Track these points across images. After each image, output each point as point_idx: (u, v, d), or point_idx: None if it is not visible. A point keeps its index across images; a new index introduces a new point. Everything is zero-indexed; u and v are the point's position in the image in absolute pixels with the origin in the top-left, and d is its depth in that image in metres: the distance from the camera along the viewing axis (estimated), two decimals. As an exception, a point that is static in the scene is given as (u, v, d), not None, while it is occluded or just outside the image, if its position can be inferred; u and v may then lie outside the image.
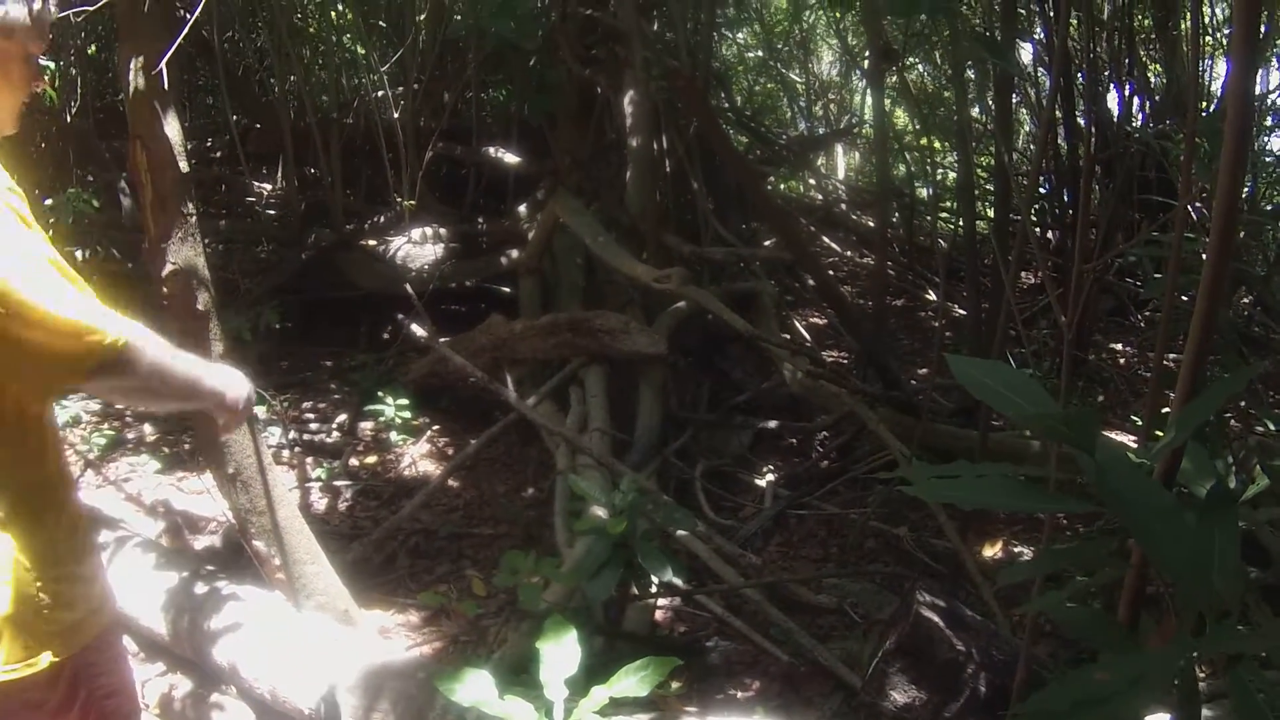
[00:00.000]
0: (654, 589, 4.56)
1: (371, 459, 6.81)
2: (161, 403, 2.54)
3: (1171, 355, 5.83)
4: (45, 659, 2.12)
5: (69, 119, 9.42)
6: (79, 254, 8.89)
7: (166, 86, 3.88)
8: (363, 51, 9.87)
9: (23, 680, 2.10)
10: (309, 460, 6.64)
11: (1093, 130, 8.00)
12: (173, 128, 4.00)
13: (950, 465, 1.86)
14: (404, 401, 6.82)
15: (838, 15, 13.43)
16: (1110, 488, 1.62)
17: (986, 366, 1.93)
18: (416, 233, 8.73)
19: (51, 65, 7.41)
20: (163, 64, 3.79)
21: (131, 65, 3.95)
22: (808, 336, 8.74)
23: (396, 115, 8.67)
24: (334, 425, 7.21)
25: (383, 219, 9.13)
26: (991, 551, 5.63)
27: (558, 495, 5.63)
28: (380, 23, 10.15)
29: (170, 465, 6.60)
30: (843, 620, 4.92)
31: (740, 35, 14.92)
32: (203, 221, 9.06)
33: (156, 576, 4.53)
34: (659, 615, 4.98)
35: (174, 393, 2.39)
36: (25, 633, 2.10)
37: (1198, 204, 5.77)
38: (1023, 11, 8.46)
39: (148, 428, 7.27)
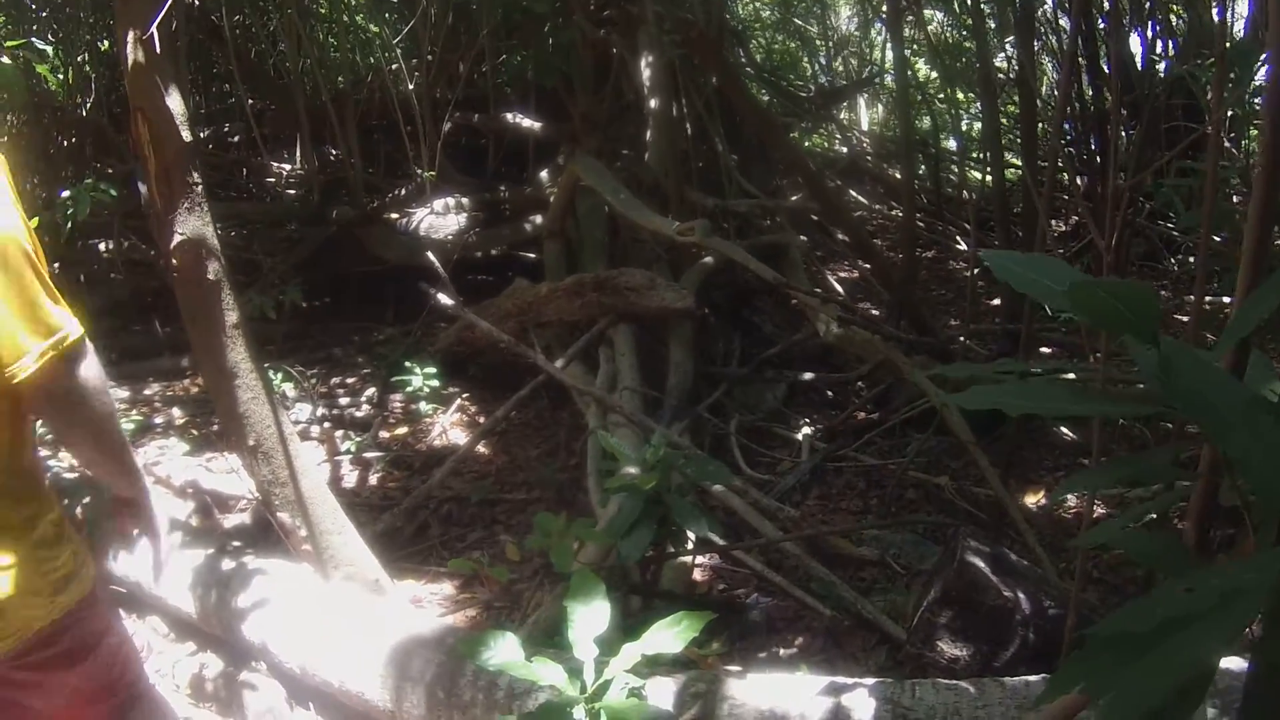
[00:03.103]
0: (690, 546, 4.45)
1: (402, 430, 6.76)
2: (100, 441, 2.33)
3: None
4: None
5: (84, 114, 9.37)
6: (101, 246, 8.90)
7: (160, 52, 3.78)
8: (375, 29, 9.80)
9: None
10: (339, 434, 6.57)
11: (1115, 63, 7.85)
12: (174, 99, 3.90)
13: (991, 365, 1.74)
14: (432, 371, 6.75)
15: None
16: (1180, 383, 1.48)
17: (1028, 260, 1.79)
18: (439, 203, 8.67)
19: (49, 50, 7.39)
20: (153, 28, 3.68)
21: (129, 38, 3.86)
22: (839, 289, 8.61)
23: (411, 87, 8.58)
24: (363, 399, 7.18)
25: (404, 192, 9.07)
26: (1034, 499, 5.51)
27: (590, 455, 5.54)
28: (392, -2, 10.07)
29: (199, 447, 6.57)
30: (885, 572, 4.81)
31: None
32: (224, 205, 9.12)
33: (182, 555, 4.49)
34: (697, 573, 4.88)
35: (113, 436, 2.35)
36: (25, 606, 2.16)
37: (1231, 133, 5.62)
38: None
39: (176, 411, 7.27)
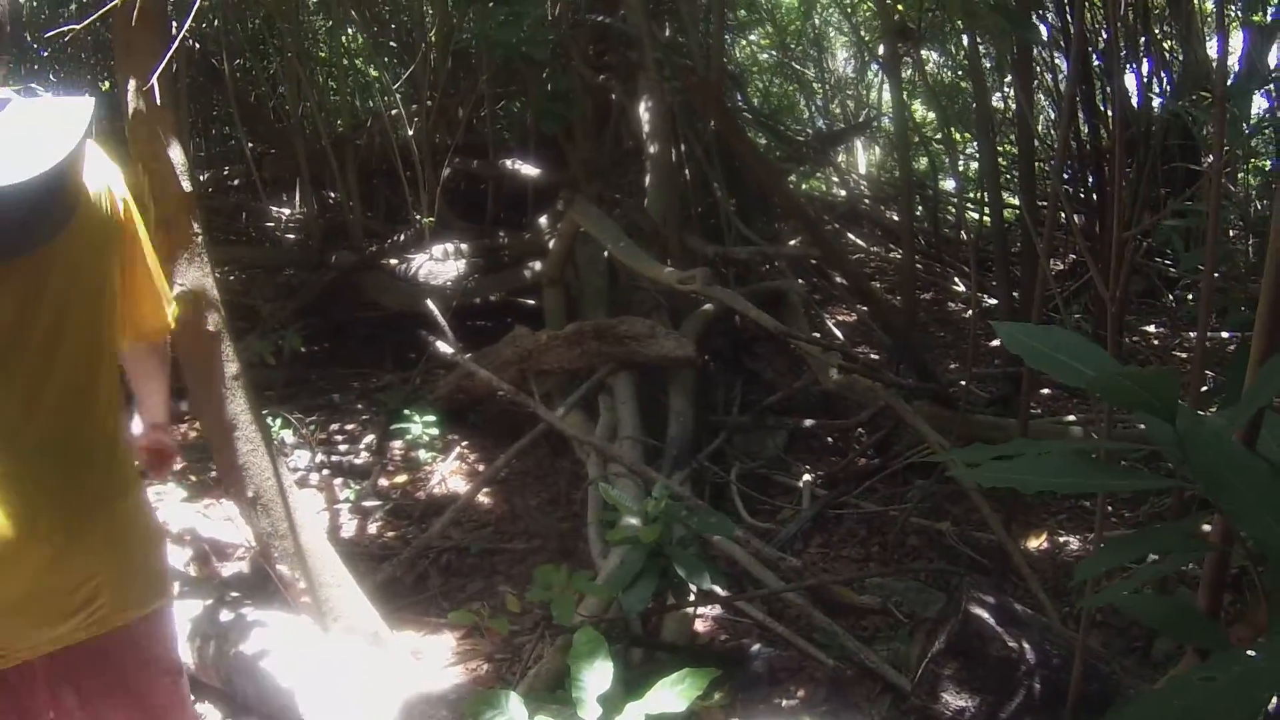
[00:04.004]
0: (692, 597, 4.43)
1: (401, 478, 6.73)
2: (166, 375, 2.75)
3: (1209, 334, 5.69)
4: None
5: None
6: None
7: (160, 103, 3.80)
8: (375, 74, 9.83)
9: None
10: (337, 482, 6.56)
11: (1117, 106, 7.89)
12: (175, 149, 3.95)
13: (1005, 445, 1.72)
14: (431, 419, 6.72)
15: (849, 8, 13.37)
16: (1198, 458, 1.46)
17: (1039, 331, 1.78)
18: (438, 249, 8.68)
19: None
20: (154, 79, 3.72)
21: (130, 87, 3.89)
22: (838, 334, 8.61)
23: (411, 133, 8.60)
24: (362, 446, 7.15)
25: (403, 237, 9.07)
26: (1037, 542, 5.49)
27: (590, 506, 5.52)
28: (390, 43, 10.09)
29: (197, 493, 6.52)
30: (888, 620, 4.78)
31: (753, 36, 14.83)
32: (223, 249, 9.12)
33: (182, 605, 4.41)
34: (699, 624, 4.85)
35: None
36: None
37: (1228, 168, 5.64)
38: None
39: (174, 456, 7.19)
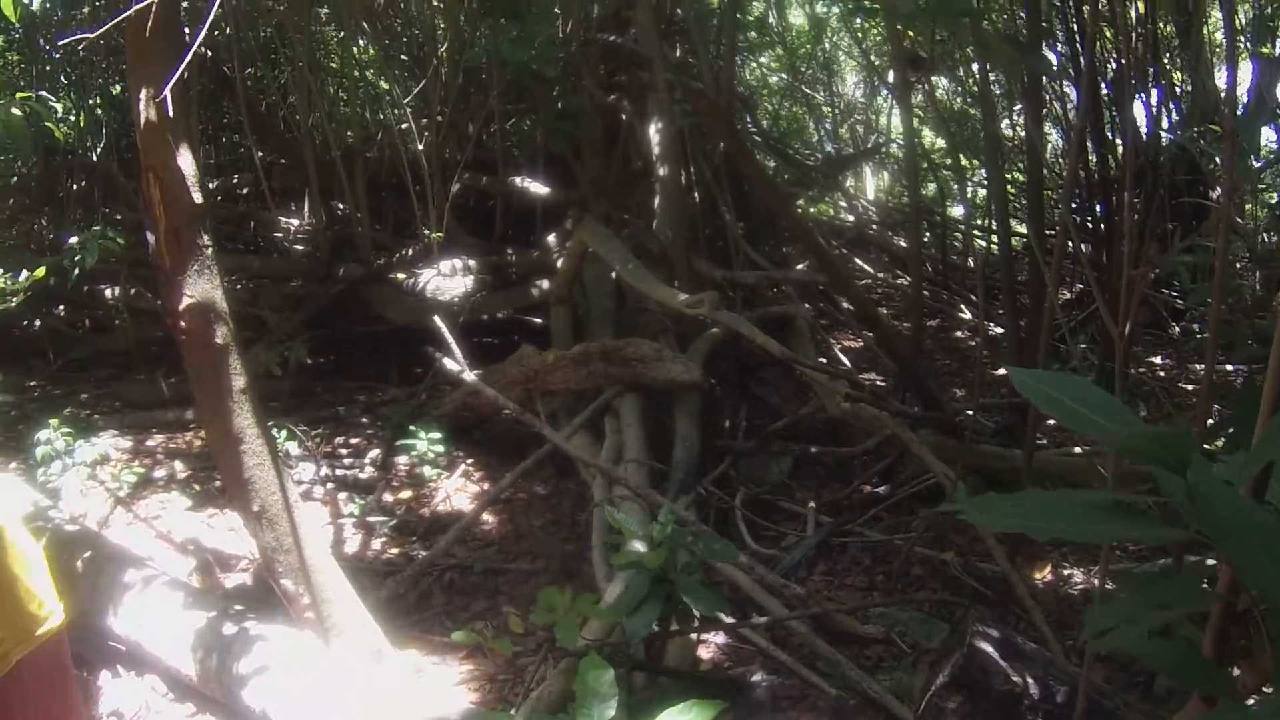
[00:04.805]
0: (695, 623, 4.43)
1: (405, 494, 6.74)
2: None
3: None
4: None
5: (94, 159, 9.40)
6: (108, 292, 8.93)
7: (172, 114, 3.82)
8: (385, 86, 9.86)
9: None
10: (341, 496, 6.57)
11: (1126, 137, 7.91)
12: (185, 159, 3.97)
13: (1021, 495, 1.74)
14: (437, 436, 6.71)
15: (860, 34, 13.39)
16: (1209, 511, 1.49)
17: (1055, 380, 1.80)
18: (445, 265, 8.69)
19: (59, 107, 7.42)
20: (166, 91, 3.71)
21: (141, 96, 3.92)
22: (845, 360, 8.62)
23: (421, 147, 8.63)
24: (366, 460, 7.15)
25: (411, 252, 9.07)
26: (1040, 575, 5.49)
27: (595, 529, 5.53)
28: (402, 56, 10.13)
29: (201, 502, 6.55)
30: (891, 650, 4.79)
31: (763, 58, 14.87)
32: (231, 258, 9.14)
33: (184, 616, 4.49)
34: (701, 650, 4.86)
35: None
36: None
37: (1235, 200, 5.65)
38: (1045, 24, 8.35)
39: (178, 464, 7.24)
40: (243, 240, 10.69)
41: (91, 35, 4.00)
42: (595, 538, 5.46)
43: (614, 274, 7.54)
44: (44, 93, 5.25)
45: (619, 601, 4.20)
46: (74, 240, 6.78)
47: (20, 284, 5.79)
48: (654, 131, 8.22)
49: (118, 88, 9.74)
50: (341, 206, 10.03)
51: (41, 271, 5.88)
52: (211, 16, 3.95)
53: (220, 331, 4.03)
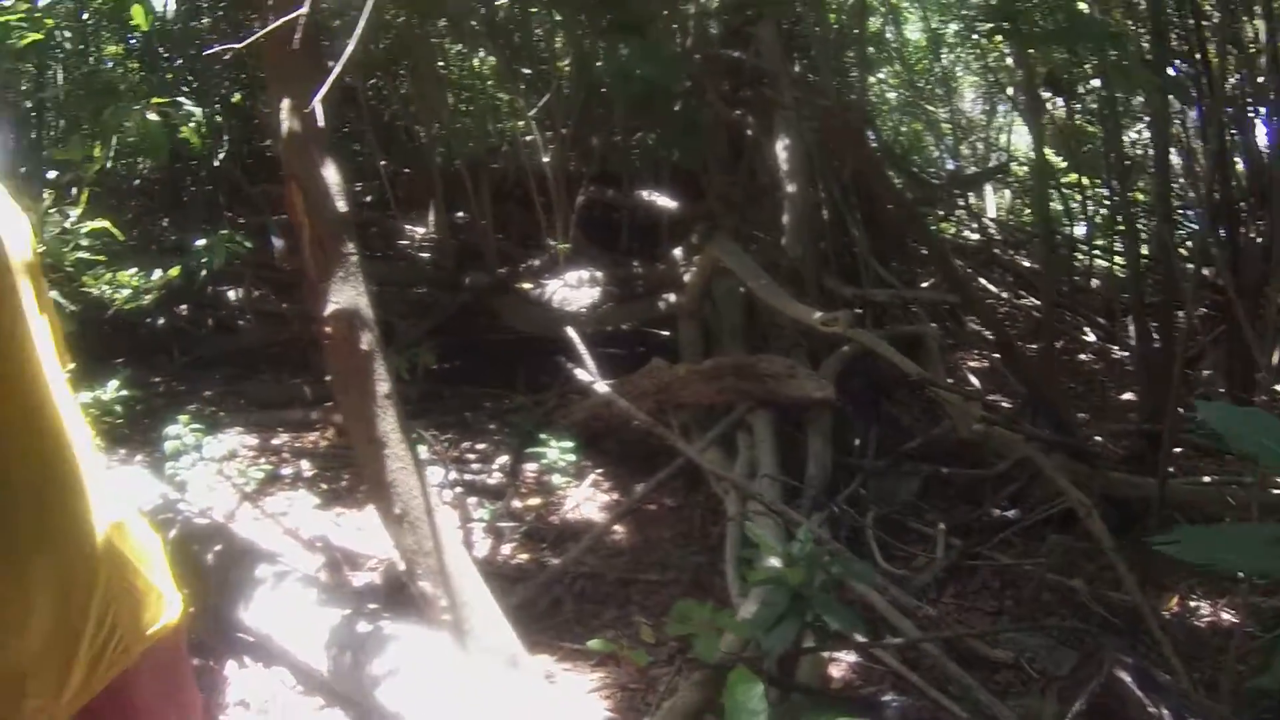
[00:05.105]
0: (829, 641, 4.46)
1: (534, 501, 6.80)
2: None
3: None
4: None
5: (217, 164, 9.65)
6: (231, 294, 9.17)
7: (320, 125, 3.91)
8: (506, 97, 9.96)
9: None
10: (470, 501, 6.65)
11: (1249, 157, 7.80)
12: (329, 169, 4.06)
13: (1213, 528, 1.76)
14: (568, 444, 6.74)
15: (979, 50, 13.29)
16: None
17: (1243, 415, 1.82)
18: (572, 276, 8.76)
19: (198, 112, 7.63)
20: (316, 101, 3.79)
21: (284, 106, 4.02)
22: (975, 381, 8.57)
23: (546, 160, 8.72)
24: (495, 466, 7.24)
25: (538, 262, 9.18)
26: (1171, 605, 5.44)
27: (728, 543, 5.53)
28: (524, 69, 10.24)
29: (328, 501, 6.69)
30: (1019, 676, 4.76)
31: (881, 74, 14.79)
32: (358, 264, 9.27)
33: (318, 612, 4.59)
34: (832, 668, 4.88)
35: None
36: None
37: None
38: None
39: (304, 463, 7.42)
40: (367, 247, 10.85)
41: (238, 46, 4.11)
42: (729, 552, 5.45)
43: (742, 289, 7.56)
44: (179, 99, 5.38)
45: (756, 617, 4.22)
46: (201, 242, 6.99)
47: (154, 282, 6.01)
48: (780, 148, 8.23)
49: (238, 95, 9.99)
50: (466, 216, 10.15)
51: (175, 271, 6.10)
52: (359, 31, 4.01)
53: (365, 338, 4.12)
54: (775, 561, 4.24)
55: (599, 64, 9.25)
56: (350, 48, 3.95)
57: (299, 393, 8.46)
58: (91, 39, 8.64)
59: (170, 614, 2.06)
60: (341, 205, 4.08)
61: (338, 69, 3.86)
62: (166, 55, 9.20)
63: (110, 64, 8.40)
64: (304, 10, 3.63)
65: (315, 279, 4.10)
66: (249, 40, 4.01)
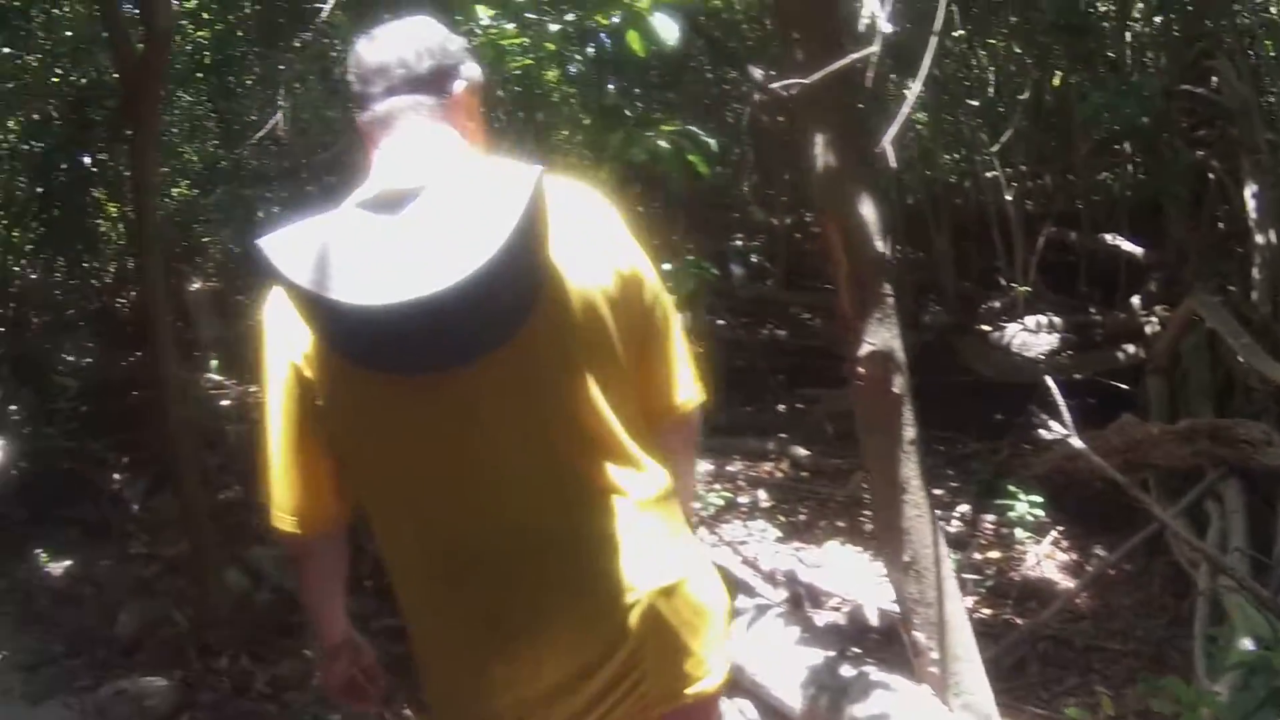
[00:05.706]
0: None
1: (993, 554, 6.83)
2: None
3: None
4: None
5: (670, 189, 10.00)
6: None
7: (884, 164, 3.84)
8: (967, 133, 9.95)
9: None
10: (930, 548, 6.76)
11: None
12: (866, 205, 4.07)
13: None
14: (1038, 499, 6.71)
15: None
16: None
17: None
18: (1031, 320, 8.73)
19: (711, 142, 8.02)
20: (887, 142, 3.59)
21: (818, 140, 4.07)
22: None
23: (1009, 198, 8.70)
24: (954, 514, 7.29)
25: (997, 304, 9.21)
26: None
27: (1198, 619, 5.44)
28: (971, 100, 10.13)
29: (789, 534, 6.89)
30: None
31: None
32: (809, 294, 9.39)
33: (795, 650, 4.75)
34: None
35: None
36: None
37: None
38: None
39: (761, 493, 7.67)
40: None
41: (803, 80, 3.80)
42: (1197, 627, 5.37)
43: (1210, 346, 7.38)
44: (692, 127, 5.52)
45: (1236, 701, 4.21)
46: (668, 267, 7.37)
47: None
48: (1249, 194, 7.96)
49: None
50: (921, 253, 10.16)
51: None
52: (927, 62, 3.77)
53: (898, 381, 4.12)
54: (1247, 643, 4.22)
55: (1061, 99, 9.17)
56: (917, 85, 3.89)
57: (752, 420, 8.78)
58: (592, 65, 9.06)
59: (708, 682, 2.12)
60: (880, 245, 4.08)
61: (906, 108, 3.66)
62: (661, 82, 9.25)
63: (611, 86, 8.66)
64: (875, 49, 3.52)
65: (851, 318, 4.14)
66: (814, 78, 3.73)
